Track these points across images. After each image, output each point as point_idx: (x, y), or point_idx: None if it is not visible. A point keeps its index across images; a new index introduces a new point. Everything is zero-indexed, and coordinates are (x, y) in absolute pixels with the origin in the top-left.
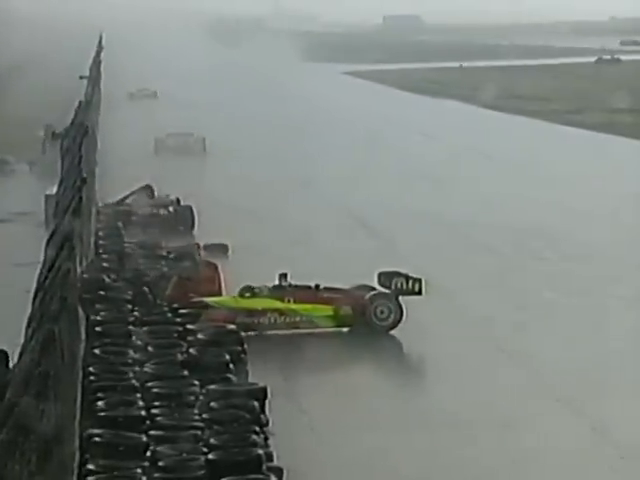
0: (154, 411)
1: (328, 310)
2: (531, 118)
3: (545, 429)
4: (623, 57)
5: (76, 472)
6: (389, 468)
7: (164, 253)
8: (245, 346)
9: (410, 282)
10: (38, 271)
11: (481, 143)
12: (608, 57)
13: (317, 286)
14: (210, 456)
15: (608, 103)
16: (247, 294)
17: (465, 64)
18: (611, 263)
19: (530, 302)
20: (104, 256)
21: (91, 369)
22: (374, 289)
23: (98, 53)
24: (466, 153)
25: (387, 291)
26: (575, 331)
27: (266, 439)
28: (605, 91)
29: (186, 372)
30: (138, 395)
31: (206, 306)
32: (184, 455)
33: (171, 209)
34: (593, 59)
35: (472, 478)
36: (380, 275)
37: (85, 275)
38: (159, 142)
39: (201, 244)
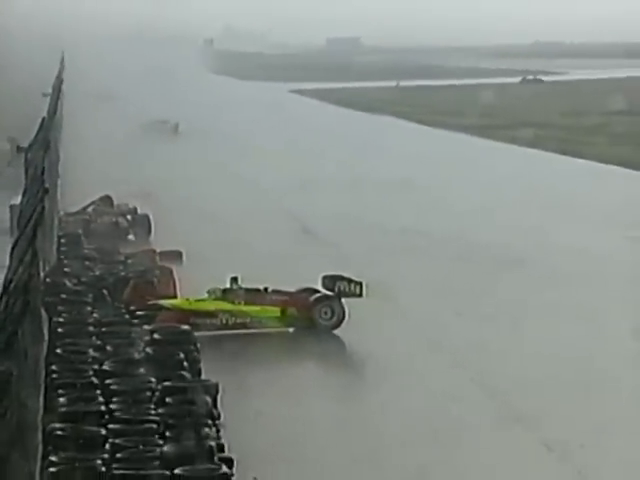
0: (112, 406)
1: (276, 311)
2: (459, 133)
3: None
4: (545, 78)
5: (39, 464)
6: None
7: (122, 259)
8: (198, 345)
9: (352, 285)
10: (3, 276)
11: (414, 154)
12: (531, 77)
13: (265, 289)
14: (165, 448)
15: (530, 119)
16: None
17: (401, 83)
18: (546, 270)
19: (467, 307)
20: (65, 262)
21: (53, 367)
22: (318, 292)
23: (60, 71)
24: (401, 162)
25: (331, 293)
26: (505, 333)
27: (218, 431)
28: (528, 108)
29: (143, 370)
30: (97, 391)
31: (161, 308)
32: (141, 447)
33: (129, 217)
34: (518, 79)
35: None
36: (324, 278)
37: (48, 279)
38: (144, 126)
39: (157, 250)
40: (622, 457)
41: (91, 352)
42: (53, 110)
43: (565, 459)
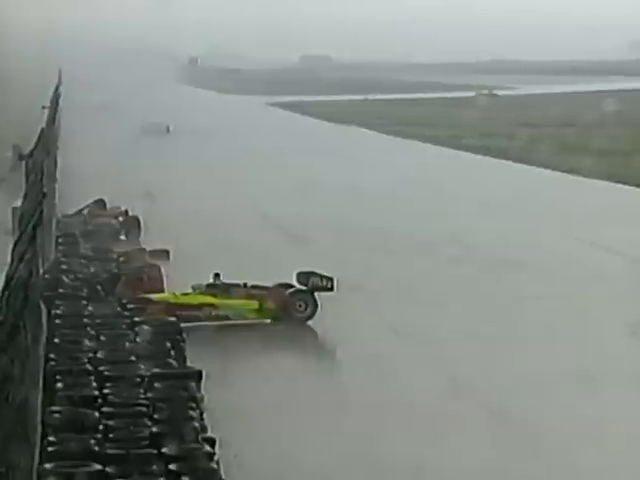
0: (105, 391)
1: (254, 305)
2: (420, 142)
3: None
4: (500, 92)
5: (39, 443)
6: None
7: (115, 257)
8: (184, 335)
9: (324, 280)
10: (5, 272)
11: (378, 160)
12: (486, 92)
13: (245, 284)
14: (153, 429)
15: (484, 130)
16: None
17: (370, 97)
18: (495, 263)
19: (428, 299)
20: (63, 259)
21: (51, 356)
22: (293, 286)
23: (57, 87)
24: (365, 167)
25: (304, 288)
26: (462, 318)
27: (201, 414)
28: (482, 120)
29: (133, 358)
30: (92, 377)
31: (150, 301)
32: (131, 428)
33: (121, 219)
34: (473, 93)
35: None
36: (299, 275)
37: (47, 276)
38: (142, 127)
39: (147, 249)
40: None
41: (86, 342)
42: (52, 121)
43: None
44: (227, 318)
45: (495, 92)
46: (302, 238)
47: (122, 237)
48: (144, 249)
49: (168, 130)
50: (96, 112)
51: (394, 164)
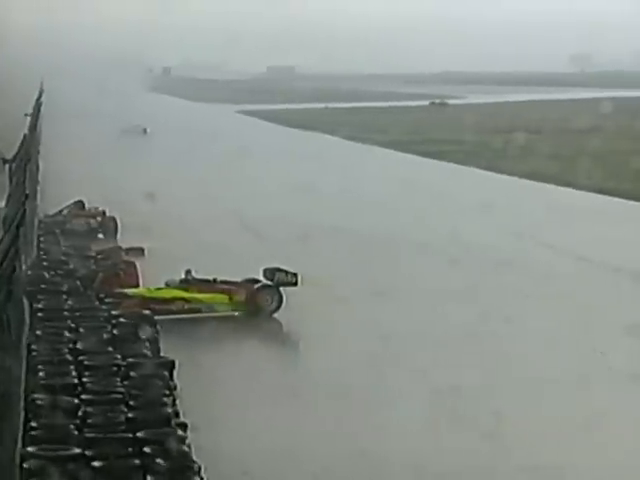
0: (85, 379)
1: (224, 298)
2: (374, 146)
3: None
4: (450, 101)
5: (22, 428)
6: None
7: (93, 254)
8: (158, 327)
9: (288, 276)
10: None
11: (337, 163)
12: (438, 101)
13: (215, 279)
14: (129, 414)
15: (435, 136)
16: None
17: (330, 105)
18: (451, 258)
19: (387, 290)
20: (44, 257)
21: (33, 347)
22: (260, 281)
23: (40, 94)
24: (324, 169)
25: (270, 283)
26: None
27: (174, 401)
28: (434, 127)
29: (110, 348)
30: (72, 367)
31: (126, 296)
32: (108, 414)
33: (99, 219)
34: (427, 102)
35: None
36: (265, 270)
37: (29, 272)
38: (122, 130)
39: (123, 247)
40: None
41: (66, 333)
42: (34, 127)
43: None
44: (198, 311)
45: (446, 101)
46: (257, 232)
47: (100, 236)
48: (120, 247)
49: (145, 131)
50: (81, 117)
51: (349, 166)
